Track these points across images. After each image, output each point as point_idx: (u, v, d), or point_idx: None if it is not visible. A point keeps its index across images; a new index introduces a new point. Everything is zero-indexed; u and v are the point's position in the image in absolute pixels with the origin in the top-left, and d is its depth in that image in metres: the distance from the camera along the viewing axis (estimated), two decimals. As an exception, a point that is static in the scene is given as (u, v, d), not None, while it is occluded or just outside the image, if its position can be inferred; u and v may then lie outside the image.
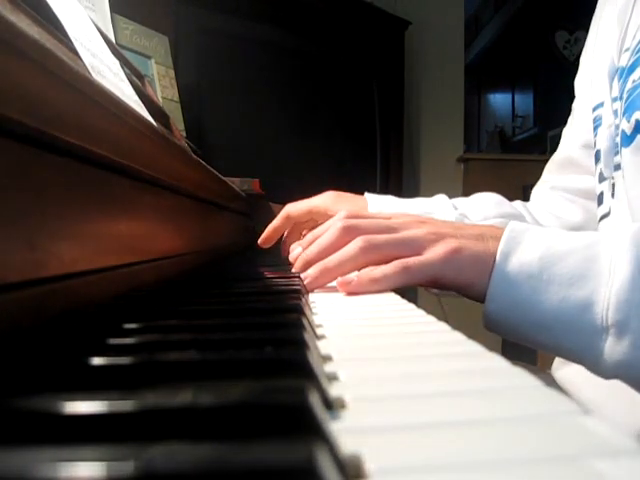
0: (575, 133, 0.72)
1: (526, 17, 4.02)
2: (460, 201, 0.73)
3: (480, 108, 5.23)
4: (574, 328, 0.38)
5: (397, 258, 0.43)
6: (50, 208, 0.25)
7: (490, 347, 0.23)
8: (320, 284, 0.46)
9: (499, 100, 5.27)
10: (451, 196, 0.73)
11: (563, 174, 0.75)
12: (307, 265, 0.48)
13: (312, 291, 0.47)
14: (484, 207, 0.69)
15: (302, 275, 0.47)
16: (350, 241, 0.45)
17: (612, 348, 0.37)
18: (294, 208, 0.72)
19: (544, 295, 0.39)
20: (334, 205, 0.69)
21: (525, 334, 0.41)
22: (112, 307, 0.31)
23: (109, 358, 0.19)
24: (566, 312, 0.38)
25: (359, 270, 0.46)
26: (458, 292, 0.44)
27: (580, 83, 0.73)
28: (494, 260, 0.41)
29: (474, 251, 0.42)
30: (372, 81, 2.14)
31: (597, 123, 0.61)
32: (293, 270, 0.51)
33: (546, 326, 0.39)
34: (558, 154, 0.77)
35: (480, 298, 0.43)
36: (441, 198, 0.73)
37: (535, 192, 0.81)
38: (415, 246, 0.44)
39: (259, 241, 0.73)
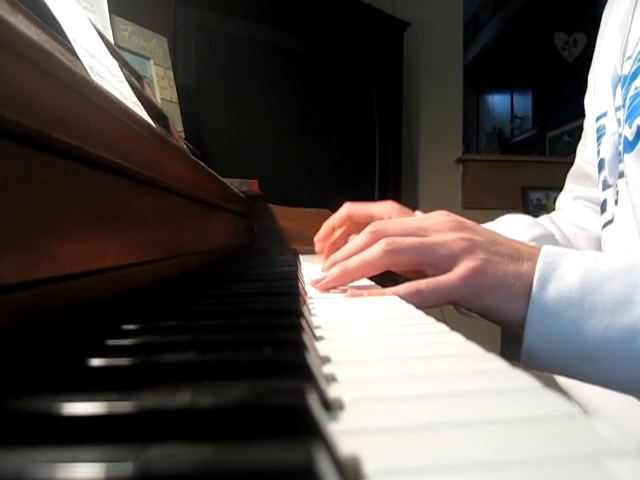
0: (588, 153, 0.72)
1: (525, 18, 4.02)
2: (490, 226, 0.69)
3: (479, 109, 5.23)
4: (621, 357, 0.36)
5: (421, 264, 0.42)
6: (48, 209, 0.25)
7: (489, 348, 0.23)
8: (340, 284, 0.45)
9: (498, 101, 5.27)
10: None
11: (583, 186, 0.76)
12: (332, 266, 0.47)
13: (328, 291, 0.46)
14: (515, 232, 0.66)
15: (323, 274, 0.46)
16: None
17: None
18: (355, 209, 0.67)
19: (587, 324, 0.37)
20: (395, 217, 0.64)
21: (569, 367, 0.39)
22: (110, 308, 0.31)
23: (108, 359, 0.19)
24: (612, 341, 0.36)
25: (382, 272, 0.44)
26: (480, 315, 0.42)
27: (589, 101, 0.72)
28: (528, 286, 0.38)
29: (501, 272, 0.39)
30: (371, 82, 2.14)
31: (601, 132, 0.61)
32: (321, 269, 0.50)
33: (591, 357, 0.37)
34: (575, 168, 0.77)
35: (505, 322, 0.40)
36: None
37: (560, 202, 0.81)
38: (440, 253, 0.41)
39: (316, 238, 0.70)
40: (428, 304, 0.41)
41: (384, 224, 0.46)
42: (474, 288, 0.39)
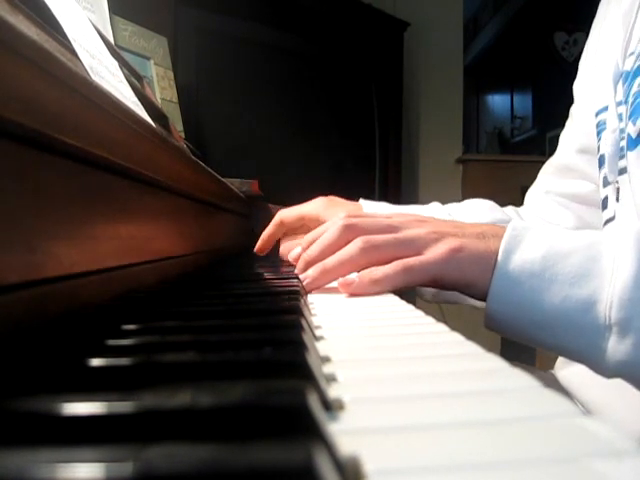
0: (572, 137, 0.72)
1: (525, 18, 4.02)
2: (454, 207, 0.73)
3: (479, 109, 5.23)
4: (576, 327, 0.38)
5: (397, 258, 0.43)
6: (49, 209, 0.25)
7: (489, 348, 0.23)
8: (319, 285, 0.46)
9: (498, 101, 5.27)
10: (450, 197, 0.74)
11: (560, 178, 0.75)
12: (308, 265, 0.47)
13: (311, 292, 0.46)
14: (477, 213, 0.70)
15: (301, 276, 0.47)
16: (350, 241, 0.45)
17: (615, 347, 0.37)
18: (286, 214, 0.71)
19: (546, 294, 0.39)
20: (326, 211, 0.68)
21: (526, 333, 0.41)
22: (111, 308, 0.31)
23: (108, 359, 0.19)
24: (568, 311, 0.38)
25: (359, 271, 0.45)
26: (460, 291, 0.44)
27: (579, 88, 0.73)
28: (496, 258, 0.41)
29: (475, 250, 0.42)
30: (371, 82, 2.14)
31: (601, 127, 0.61)
32: (295, 271, 0.51)
33: (548, 325, 0.39)
34: (555, 158, 0.76)
35: (482, 297, 0.42)
36: (435, 206, 0.74)
37: (529, 195, 0.81)
38: (415, 246, 0.43)
39: (256, 249, 0.73)
40: (416, 280, 0.43)
41: (356, 220, 0.47)
42: (454, 264, 0.42)
